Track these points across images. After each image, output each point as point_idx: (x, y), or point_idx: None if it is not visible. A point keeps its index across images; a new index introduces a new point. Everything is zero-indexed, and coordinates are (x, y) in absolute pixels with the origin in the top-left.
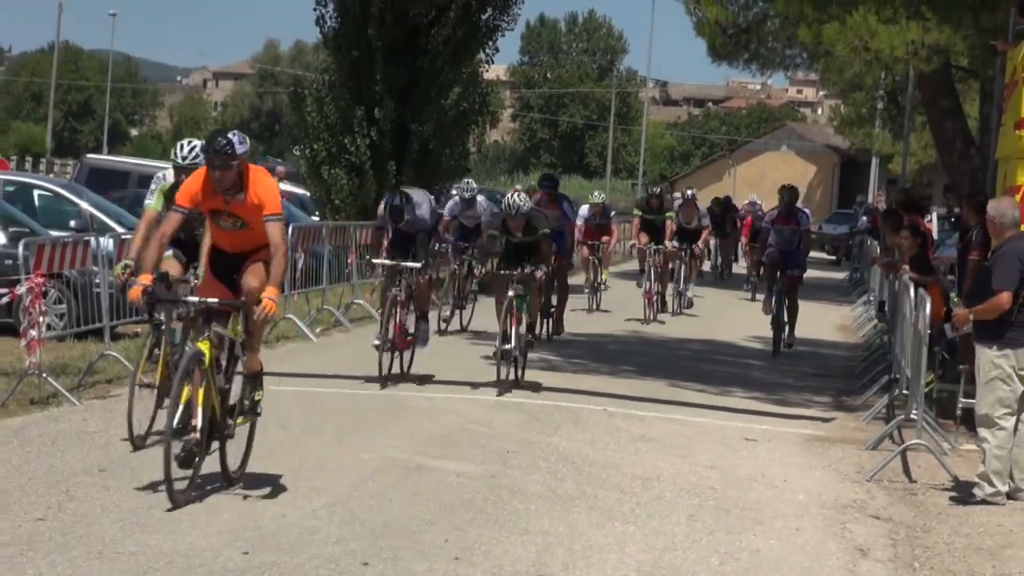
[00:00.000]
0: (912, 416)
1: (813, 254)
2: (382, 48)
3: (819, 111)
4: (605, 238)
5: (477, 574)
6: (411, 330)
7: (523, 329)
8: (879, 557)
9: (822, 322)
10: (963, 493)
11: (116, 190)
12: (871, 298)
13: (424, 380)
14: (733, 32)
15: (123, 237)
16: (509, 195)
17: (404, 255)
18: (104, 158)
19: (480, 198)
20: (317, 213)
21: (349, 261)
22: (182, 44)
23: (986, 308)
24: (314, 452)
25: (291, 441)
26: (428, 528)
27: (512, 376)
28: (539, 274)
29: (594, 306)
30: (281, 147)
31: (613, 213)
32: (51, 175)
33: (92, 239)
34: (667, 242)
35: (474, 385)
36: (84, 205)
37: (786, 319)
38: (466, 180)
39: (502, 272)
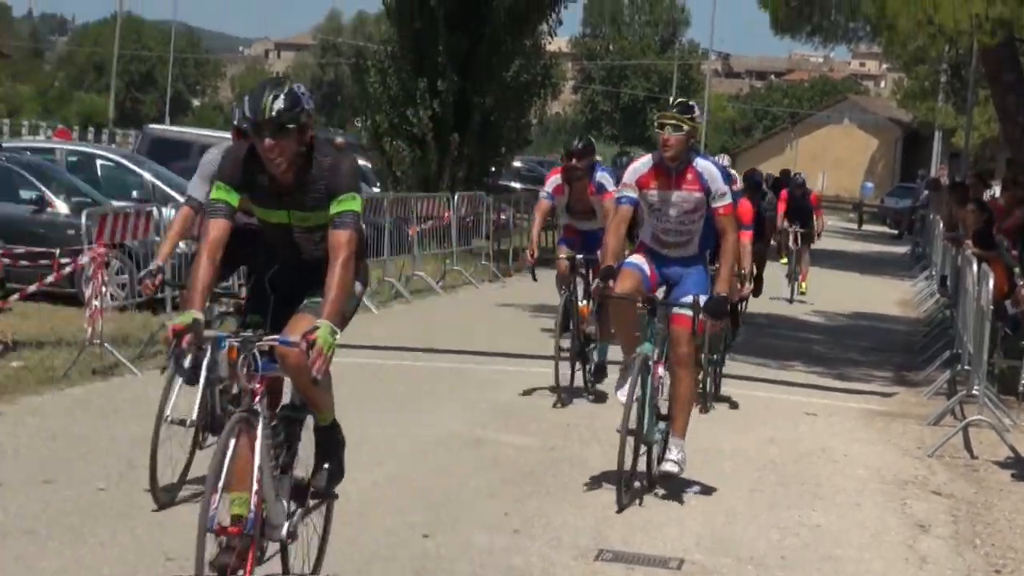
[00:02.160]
0: (974, 392)
1: (873, 228)
2: (444, 18)
3: (882, 84)
4: None
5: (537, 546)
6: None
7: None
8: (940, 533)
9: (883, 297)
10: None
11: (178, 160)
12: (933, 273)
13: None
14: (796, 4)
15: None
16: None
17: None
18: (166, 128)
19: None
20: (378, 184)
21: (410, 232)
22: (244, 15)
23: None
24: (374, 423)
25: (351, 412)
26: (488, 500)
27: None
28: None
29: None
30: (342, 118)
31: None
32: (113, 145)
33: (154, 209)
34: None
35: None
36: (146, 175)
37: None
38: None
39: None
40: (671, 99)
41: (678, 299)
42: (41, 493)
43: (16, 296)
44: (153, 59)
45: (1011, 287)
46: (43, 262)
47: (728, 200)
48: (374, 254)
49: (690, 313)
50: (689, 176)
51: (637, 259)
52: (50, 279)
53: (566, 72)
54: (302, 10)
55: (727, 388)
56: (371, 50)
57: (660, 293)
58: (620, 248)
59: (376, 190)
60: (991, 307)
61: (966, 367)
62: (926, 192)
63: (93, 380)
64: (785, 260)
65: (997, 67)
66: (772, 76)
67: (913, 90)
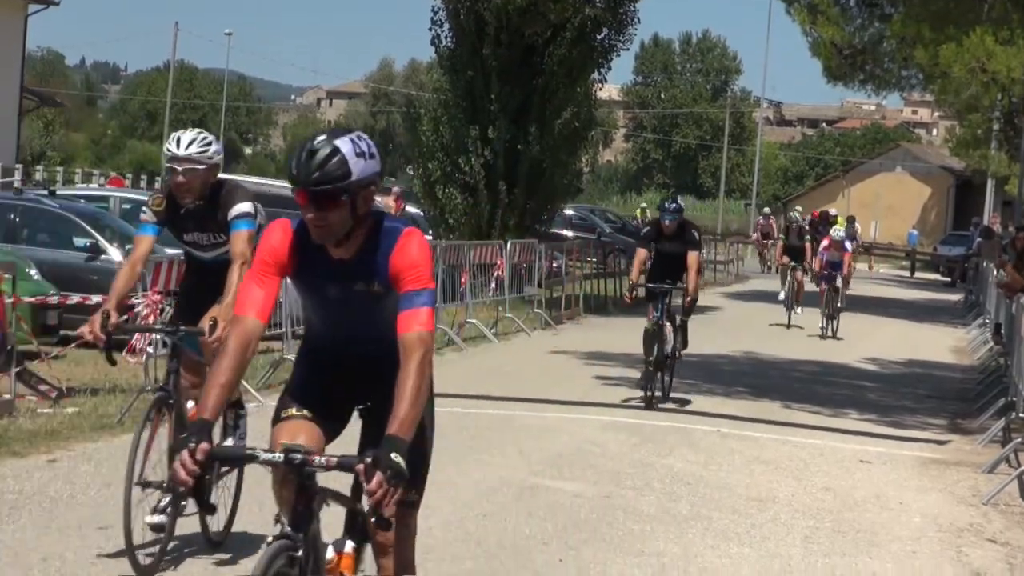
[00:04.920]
0: None
1: (926, 275)
2: (497, 68)
3: (934, 132)
4: None
5: None
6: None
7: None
8: None
9: (937, 344)
10: None
11: None
12: (987, 320)
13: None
14: (849, 53)
15: None
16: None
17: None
18: (220, 177)
19: None
20: (431, 232)
21: (462, 280)
22: (296, 63)
23: None
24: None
25: None
26: (543, 548)
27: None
28: None
29: None
30: (394, 166)
31: None
32: None
33: None
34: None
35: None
36: None
37: None
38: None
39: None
40: (724, 147)
41: None
42: (96, 539)
43: (73, 344)
44: (205, 107)
45: None
46: (94, 302)
47: None
48: None
49: None
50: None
51: None
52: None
53: (617, 120)
54: (354, 59)
55: (783, 435)
56: (423, 98)
57: None
58: None
59: (429, 238)
60: None
61: (1021, 415)
62: (979, 240)
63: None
64: None
65: None
66: (824, 124)
67: (966, 138)
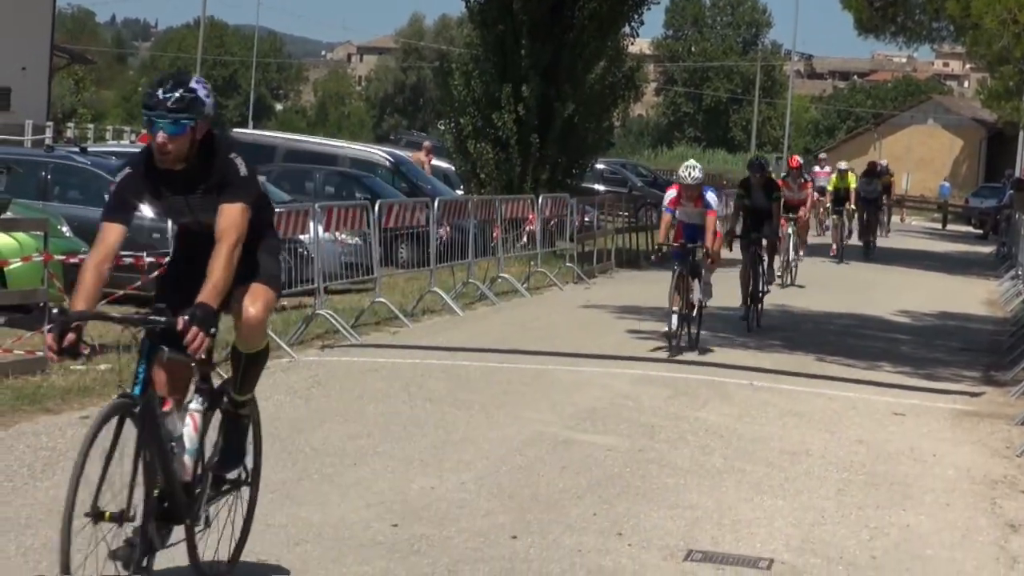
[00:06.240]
0: None
1: (958, 228)
2: (528, 23)
3: (966, 84)
4: None
5: (626, 547)
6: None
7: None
8: None
9: (969, 296)
10: None
11: (262, 164)
12: (1019, 272)
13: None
14: (880, 5)
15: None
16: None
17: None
18: (250, 132)
19: None
20: (462, 187)
21: (494, 235)
22: (327, 19)
23: None
24: (461, 425)
25: (438, 414)
26: (576, 501)
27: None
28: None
29: None
30: (425, 121)
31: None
32: None
33: None
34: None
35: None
36: None
37: None
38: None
39: None
40: (755, 100)
41: None
42: None
43: (104, 300)
44: (236, 64)
45: None
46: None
47: None
48: (459, 256)
49: None
50: None
51: None
52: (137, 283)
53: (648, 74)
54: (384, 14)
55: (816, 387)
56: (454, 53)
57: None
58: None
59: (460, 192)
60: None
61: None
62: (1011, 192)
63: None
64: None
65: None
66: (855, 77)
67: (997, 90)
